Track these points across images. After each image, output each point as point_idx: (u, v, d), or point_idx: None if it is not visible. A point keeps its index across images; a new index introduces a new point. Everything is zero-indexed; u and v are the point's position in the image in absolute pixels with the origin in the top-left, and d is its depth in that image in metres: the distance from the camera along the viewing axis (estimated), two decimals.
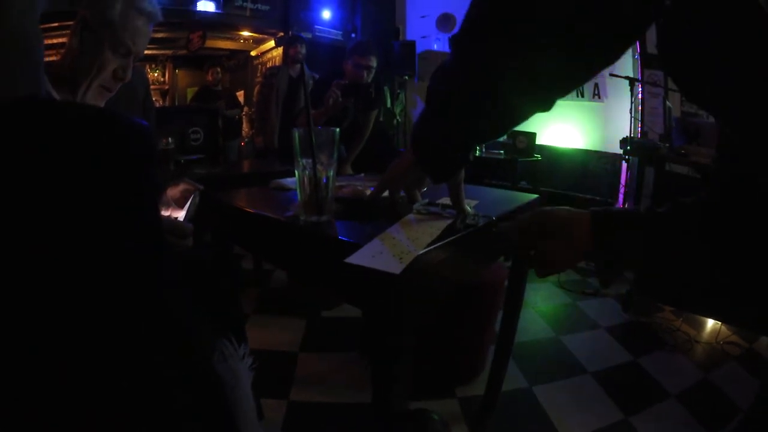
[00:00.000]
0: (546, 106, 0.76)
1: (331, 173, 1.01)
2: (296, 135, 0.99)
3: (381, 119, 3.96)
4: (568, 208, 0.87)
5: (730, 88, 0.57)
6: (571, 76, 0.73)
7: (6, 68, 0.69)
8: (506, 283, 1.78)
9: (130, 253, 0.65)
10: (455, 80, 0.79)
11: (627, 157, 4.02)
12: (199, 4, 6.00)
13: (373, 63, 3.08)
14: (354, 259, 0.80)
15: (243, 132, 7.00)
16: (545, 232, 0.85)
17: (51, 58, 1.69)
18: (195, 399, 0.75)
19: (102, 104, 1.43)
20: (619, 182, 4.87)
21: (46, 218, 0.59)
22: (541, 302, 3.38)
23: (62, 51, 1.39)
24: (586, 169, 5.41)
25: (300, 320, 2.82)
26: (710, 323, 3.07)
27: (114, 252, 0.63)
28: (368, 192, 1.20)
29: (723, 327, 2.95)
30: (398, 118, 6.39)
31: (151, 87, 6.61)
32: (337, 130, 1.02)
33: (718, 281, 0.70)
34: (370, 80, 3.10)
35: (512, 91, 0.74)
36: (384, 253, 0.81)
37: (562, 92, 0.75)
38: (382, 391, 0.89)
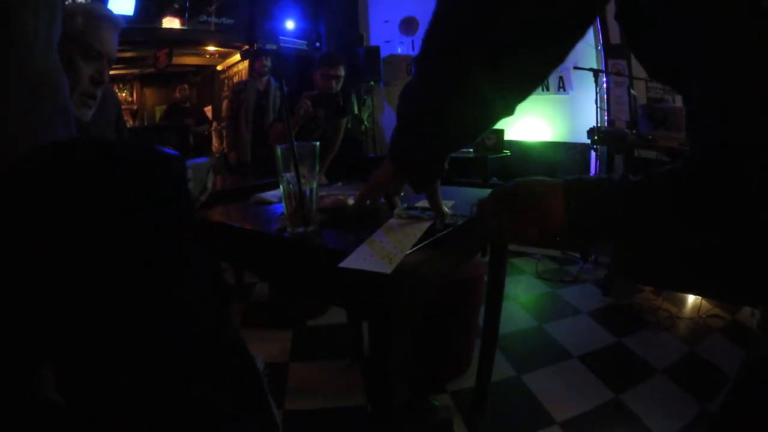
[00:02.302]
0: (508, 111, 0.81)
1: (314, 185, 1.05)
2: (278, 151, 1.03)
3: (349, 126, 4.01)
4: (542, 178, 0.85)
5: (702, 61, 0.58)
6: (530, 78, 0.77)
7: (38, 110, 0.72)
8: (486, 277, 1.83)
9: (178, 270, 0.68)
10: (420, 97, 0.83)
11: (595, 146, 4.09)
12: (164, 20, 5.98)
13: (341, 72, 3.16)
14: (347, 263, 0.84)
15: (213, 147, 6.97)
16: (519, 202, 0.84)
17: None
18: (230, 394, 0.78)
19: (88, 116, 1.45)
20: (589, 172, 4.94)
21: (101, 240, 0.62)
22: (522, 294, 3.43)
23: None
24: (556, 161, 5.47)
25: (286, 331, 2.83)
26: (691, 299, 3.15)
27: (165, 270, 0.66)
28: (349, 200, 1.25)
29: (704, 301, 3.02)
30: (366, 123, 6.41)
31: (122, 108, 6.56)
32: (318, 144, 1.07)
33: (693, 254, 0.73)
34: (338, 89, 3.17)
35: (474, 101, 0.78)
36: (373, 257, 0.86)
37: (523, 96, 0.79)
38: (381, 390, 0.93)
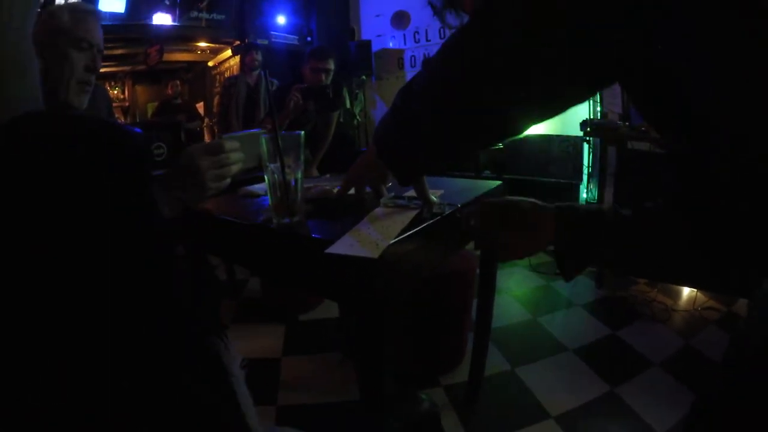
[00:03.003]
0: (517, 132, 0.79)
1: (299, 175, 1.03)
2: (263, 141, 1.01)
3: (341, 120, 4.01)
4: (532, 200, 0.86)
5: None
6: (542, 110, 0.74)
7: (7, 91, 0.71)
8: (478, 270, 1.81)
9: (139, 252, 0.67)
10: (426, 103, 0.80)
11: (588, 138, 4.08)
12: (154, 17, 5.93)
13: (331, 66, 3.16)
14: (334, 248, 0.83)
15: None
16: (508, 222, 0.86)
17: None
18: (208, 393, 0.76)
19: (85, 102, 1.53)
20: (581, 164, 4.93)
21: (53, 221, 0.61)
22: (515, 287, 3.42)
23: None
24: (549, 154, 5.44)
25: (279, 326, 2.81)
26: (686, 291, 3.13)
27: (121, 252, 0.64)
28: (335, 191, 1.23)
29: (699, 294, 3.01)
30: (358, 118, 6.39)
31: (113, 105, 6.54)
32: (302, 132, 1.05)
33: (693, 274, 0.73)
34: (328, 82, 3.16)
35: (485, 118, 0.75)
36: (358, 244, 0.84)
37: (532, 122, 0.77)
38: (370, 381, 0.92)
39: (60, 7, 1.52)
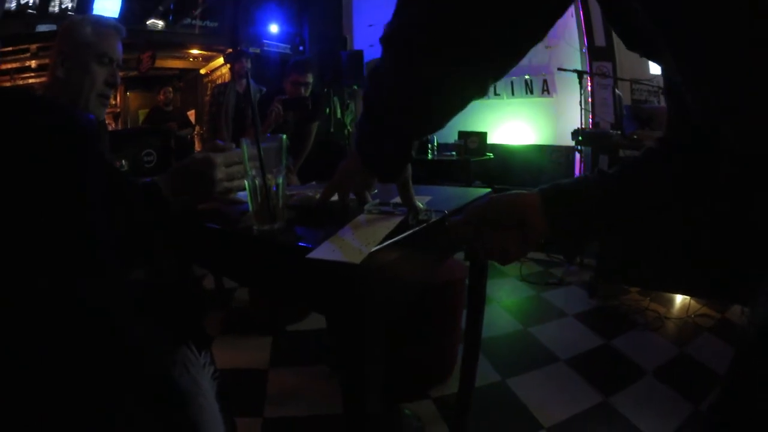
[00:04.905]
0: (482, 91, 0.76)
1: (281, 180, 1.00)
2: (244, 146, 0.98)
3: (332, 130, 4.14)
4: (516, 192, 0.82)
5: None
6: (503, 59, 0.72)
7: None
8: (467, 280, 1.79)
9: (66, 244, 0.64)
10: (388, 81, 0.78)
11: (580, 148, 4.07)
12: (148, 23, 5.94)
13: (310, 79, 3.40)
14: (315, 254, 0.80)
15: (195, 152, 6.89)
16: (496, 222, 0.81)
17: (4, 84, 2.00)
18: (155, 415, 0.73)
19: (103, 114, 1.63)
20: (573, 174, 4.94)
21: None
22: (505, 297, 3.39)
23: (44, 82, 1.64)
24: (540, 164, 5.45)
25: (266, 337, 2.77)
26: (679, 299, 3.13)
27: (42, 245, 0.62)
28: (317, 197, 1.20)
29: (692, 301, 3.00)
30: (349, 128, 6.36)
31: None
32: (284, 136, 1.02)
33: (680, 245, 0.71)
34: (308, 95, 3.38)
35: (446, 83, 0.73)
36: (338, 251, 0.81)
37: (496, 77, 0.74)
38: (353, 395, 0.89)
39: (83, 18, 1.60)
